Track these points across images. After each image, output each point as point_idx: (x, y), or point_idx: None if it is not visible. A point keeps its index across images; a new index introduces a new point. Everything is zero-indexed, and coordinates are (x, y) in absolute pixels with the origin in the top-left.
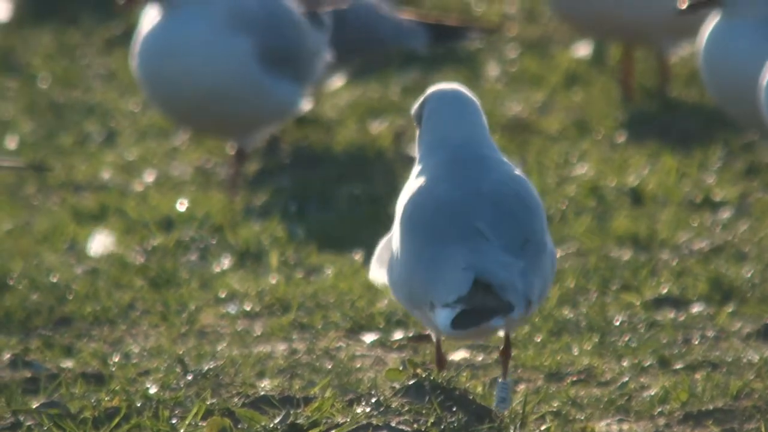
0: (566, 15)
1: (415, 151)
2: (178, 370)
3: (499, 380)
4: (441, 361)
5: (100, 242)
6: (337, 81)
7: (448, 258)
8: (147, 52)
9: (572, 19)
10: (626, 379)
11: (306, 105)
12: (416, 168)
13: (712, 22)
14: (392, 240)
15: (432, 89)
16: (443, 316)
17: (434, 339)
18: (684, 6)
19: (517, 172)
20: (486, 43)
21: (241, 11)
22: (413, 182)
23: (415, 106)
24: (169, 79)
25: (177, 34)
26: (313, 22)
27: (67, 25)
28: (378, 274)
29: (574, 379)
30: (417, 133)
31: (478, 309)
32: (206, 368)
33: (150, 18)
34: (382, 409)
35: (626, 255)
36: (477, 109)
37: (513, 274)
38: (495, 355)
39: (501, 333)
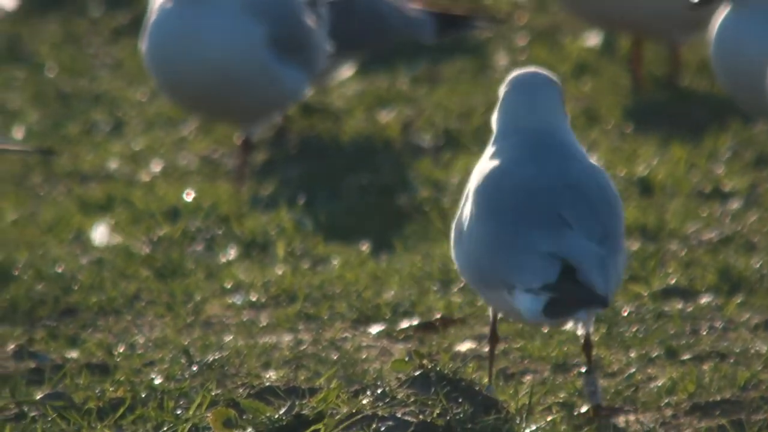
0: (576, 10)
1: (493, 128)
2: (183, 360)
3: (584, 375)
4: (495, 338)
5: (102, 233)
6: (346, 71)
7: (534, 242)
8: (160, 36)
9: (582, 14)
10: (633, 370)
11: (309, 93)
12: (491, 148)
13: (722, 14)
14: (462, 219)
15: (515, 73)
16: (528, 301)
17: (491, 316)
18: (696, 1)
19: (595, 162)
20: (495, 32)
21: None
22: (489, 162)
23: (502, 88)
24: (183, 64)
25: (191, 20)
26: (313, 15)
27: (73, 14)
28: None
29: (582, 370)
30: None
31: (569, 298)
32: (211, 359)
33: (159, 5)
34: (387, 400)
35: (634, 245)
36: (556, 94)
37: (599, 265)
38: (502, 346)
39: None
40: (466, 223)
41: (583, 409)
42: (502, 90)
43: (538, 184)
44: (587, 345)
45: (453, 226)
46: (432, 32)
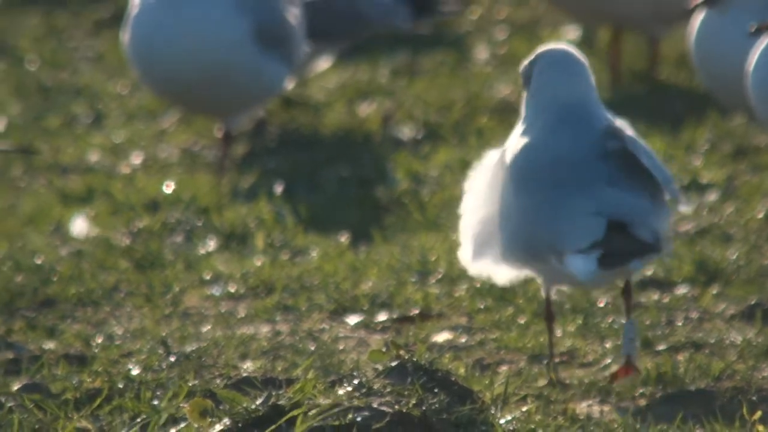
0: (556, 3)
1: (521, 110)
2: (160, 351)
3: (625, 322)
4: (551, 316)
5: (80, 225)
6: (324, 63)
7: (575, 204)
8: (143, 28)
9: (563, 6)
10: (609, 360)
11: (289, 86)
12: (522, 126)
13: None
14: (495, 200)
15: (542, 49)
16: (580, 262)
17: (544, 293)
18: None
19: (632, 133)
20: (475, 25)
21: None
22: (521, 139)
23: (524, 65)
24: (165, 56)
25: (174, 12)
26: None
27: (55, 7)
28: (472, 255)
29: (557, 360)
30: (523, 93)
31: (621, 251)
32: (189, 350)
33: None
34: (364, 390)
35: None
36: (587, 69)
37: (645, 217)
38: (478, 337)
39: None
40: (504, 202)
41: (612, 368)
42: (529, 67)
43: (577, 152)
44: (628, 293)
45: (466, 228)
46: (407, 18)
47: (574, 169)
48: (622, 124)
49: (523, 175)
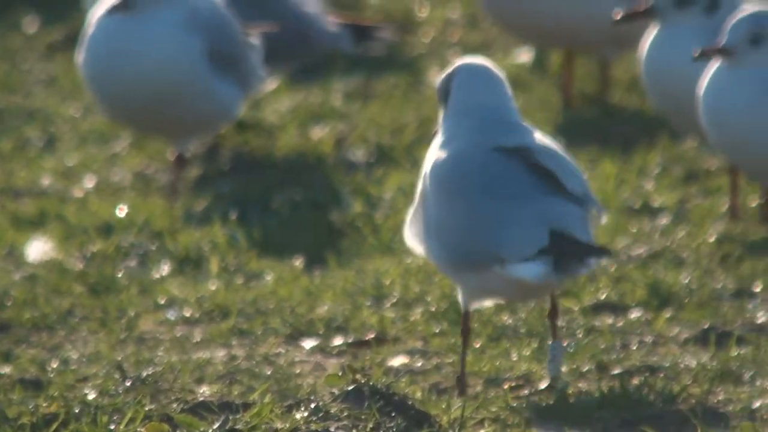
0: (505, 24)
1: (439, 124)
2: (116, 376)
3: (550, 342)
4: (467, 330)
5: (37, 248)
6: (271, 84)
7: (515, 213)
8: (98, 49)
9: (512, 28)
10: (564, 384)
11: (242, 111)
12: (441, 138)
13: (653, 31)
14: (423, 210)
15: (460, 63)
16: (530, 268)
17: (463, 308)
18: (618, 17)
19: (556, 146)
20: (428, 48)
21: (193, 14)
22: (443, 150)
23: (440, 80)
24: (120, 77)
25: (129, 33)
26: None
27: (8, 29)
28: (414, 243)
29: (513, 384)
30: (440, 109)
31: (574, 253)
32: (145, 374)
33: (97, 18)
34: (321, 414)
35: None
36: (504, 81)
37: (581, 222)
38: (434, 361)
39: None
40: (434, 214)
41: (542, 385)
42: (447, 81)
43: (503, 156)
44: (554, 313)
45: (409, 222)
46: (350, 43)
47: (504, 179)
48: (543, 137)
49: (454, 185)
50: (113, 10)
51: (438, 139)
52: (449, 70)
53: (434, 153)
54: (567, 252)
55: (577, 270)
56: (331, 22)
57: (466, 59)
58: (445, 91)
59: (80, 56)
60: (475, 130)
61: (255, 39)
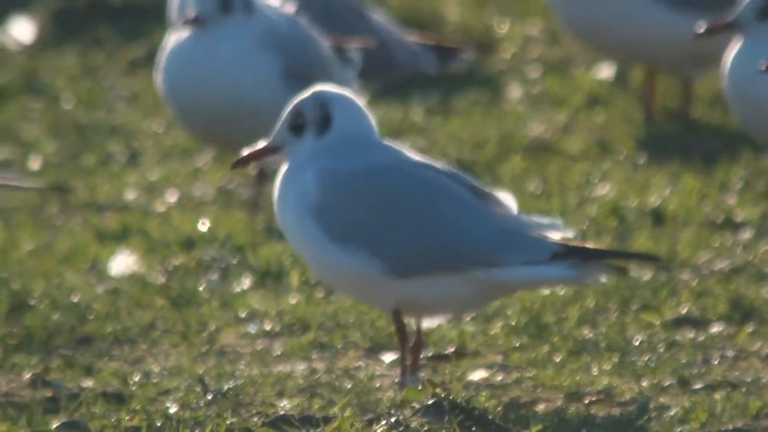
0: (585, 40)
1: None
2: (198, 389)
3: (408, 376)
4: (404, 337)
5: (120, 262)
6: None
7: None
8: (176, 67)
9: (592, 45)
10: (645, 399)
11: None
12: (321, 158)
13: (736, 45)
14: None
15: (318, 90)
16: (552, 268)
17: (415, 324)
18: (701, 31)
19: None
20: (508, 64)
21: (270, 32)
22: (346, 168)
23: (301, 106)
24: (198, 94)
25: (206, 50)
26: (339, 57)
27: (90, 46)
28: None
29: (593, 399)
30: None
31: (589, 254)
32: (226, 387)
33: (176, 36)
34: (401, 428)
35: (646, 275)
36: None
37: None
38: (514, 375)
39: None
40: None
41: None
42: (318, 108)
43: (433, 173)
44: (418, 345)
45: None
46: (434, 64)
47: (449, 190)
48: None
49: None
50: (185, 25)
51: (313, 155)
52: (307, 95)
53: (326, 173)
54: (585, 253)
55: (596, 271)
56: (414, 42)
57: (326, 87)
58: (319, 118)
59: (158, 75)
60: (362, 153)
61: (353, 54)
